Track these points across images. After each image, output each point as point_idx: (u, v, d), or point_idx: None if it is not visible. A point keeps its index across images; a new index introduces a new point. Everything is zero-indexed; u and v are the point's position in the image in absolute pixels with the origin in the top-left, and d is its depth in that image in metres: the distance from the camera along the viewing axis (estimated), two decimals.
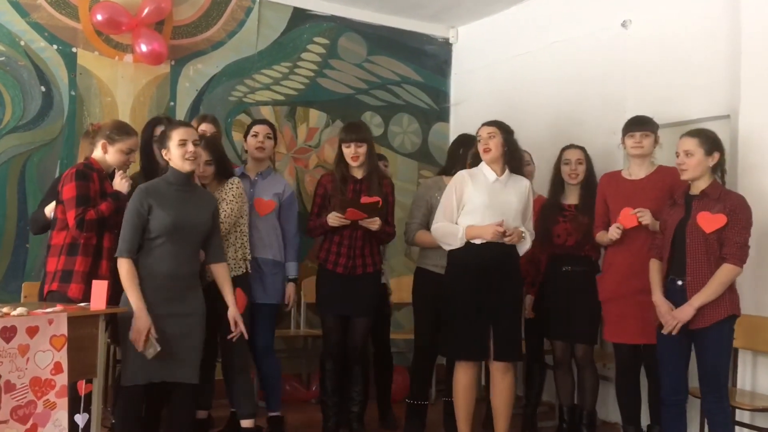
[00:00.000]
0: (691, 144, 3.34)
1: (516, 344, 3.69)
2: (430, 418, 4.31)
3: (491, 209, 3.62)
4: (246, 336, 3.53)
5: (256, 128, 4.07)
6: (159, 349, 3.09)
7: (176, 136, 3.23)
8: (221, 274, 3.41)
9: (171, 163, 3.27)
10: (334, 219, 3.85)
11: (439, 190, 4.13)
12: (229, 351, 3.68)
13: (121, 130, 3.47)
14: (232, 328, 3.43)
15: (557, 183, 4.22)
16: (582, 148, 4.21)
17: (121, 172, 3.46)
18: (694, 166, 3.32)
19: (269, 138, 4.06)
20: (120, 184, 3.41)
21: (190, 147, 3.23)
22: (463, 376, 3.70)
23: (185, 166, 3.25)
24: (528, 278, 4.24)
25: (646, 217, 3.61)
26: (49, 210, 3.55)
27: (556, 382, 4.33)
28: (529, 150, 4.39)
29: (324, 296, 4.03)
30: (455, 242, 3.66)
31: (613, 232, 3.69)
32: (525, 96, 5.44)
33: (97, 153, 3.44)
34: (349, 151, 3.97)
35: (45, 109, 4.64)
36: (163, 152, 3.29)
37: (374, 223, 3.89)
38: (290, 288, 4.07)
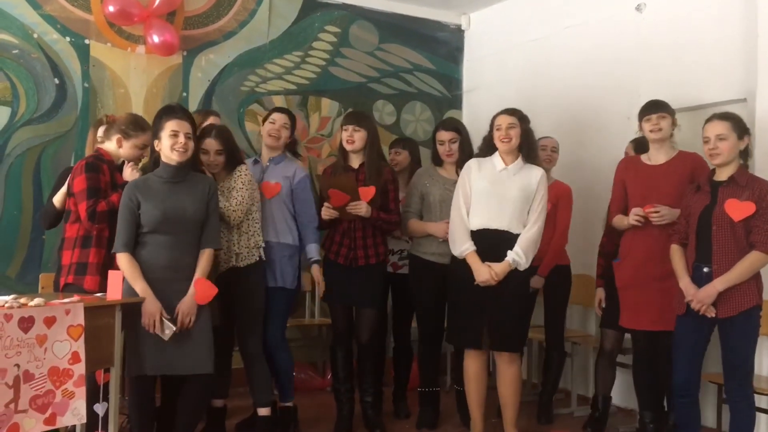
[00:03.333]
0: (724, 128, 3.27)
1: (514, 334, 3.65)
2: (444, 405, 4.32)
3: (491, 197, 3.63)
4: (177, 330, 3.21)
5: (275, 116, 4.02)
6: (174, 329, 3.10)
7: (168, 126, 3.21)
8: (202, 259, 3.27)
9: (161, 155, 3.25)
10: (325, 211, 3.87)
11: (430, 177, 4.16)
12: (244, 339, 3.69)
13: (137, 125, 3.47)
14: (177, 318, 3.20)
15: None
16: (635, 141, 4.10)
17: (131, 163, 3.46)
18: (727, 151, 3.26)
19: (286, 128, 4.00)
20: (130, 174, 3.40)
21: (182, 138, 3.20)
22: (471, 364, 3.73)
23: (174, 157, 3.21)
24: (598, 270, 4.19)
25: (665, 217, 3.53)
26: (57, 200, 3.56)
27: (596, 371, 4.25)
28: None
29: (328, 286, 4.01)
30: (455, 251, 3.68)
31: (633, 219, 3.63)
32: (538, 82, 5.40)
33: (110, 146, 3.45)
34: (345, 134, 3.97)
35: (59, 102, 4.66)
36: (155, 142, 3.26)
37: (359, 208, 3.84)
38: (315, 270, 3.91)
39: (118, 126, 3.45)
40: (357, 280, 3.96)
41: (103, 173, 3.34)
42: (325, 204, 3.89)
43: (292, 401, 3.99)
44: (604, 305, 4.13)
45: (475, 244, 3.61)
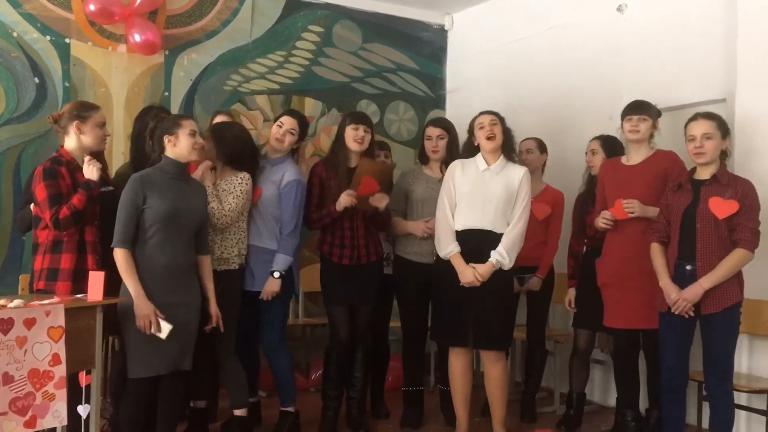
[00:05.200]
0: (711, 127, 3.31)
1: (498, 333, 3.66)
2: (428, 405, 4.33)
3: (474, 198, 3.66)
4: (221, 329, 3.45)
5: (284, 119, 3.95)
6: (171, 327, 3.09)
7: (188, 125, 3.26)
8: (205, 266, 3.39)
9: (173, 152, 3.25)
10: (346, 198, 3.78)
11: (414, 176, 4.19)
12: (218, 342, 3.61)
13: (86, 106, 3.40)
14: (213, 322, 3.40)
15: (589, 174, 4.25)
16: (600, 138, 4.19)
17: (88, 157, 3.32)
18: (712, 150, 3.30)
19: (292, 133, 3.91)
20: (89, 170, 3.27)
21: (199, 138, 3.29)
22: (456, 362, 3.75)
23: (192, 156, 3.27)
24: (569, 271, 4.23)
25: (635, 211, 3.59)
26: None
27: (570, 370, 4.30)
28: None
29: (332, 289, 3.99)
30: (440, 252, 3.70)
31: (601, 222, 3.70)
32: (521, 82, 5.42)
33: (70, 141, 3.33)
34: (356, 133, 3.91)
35: (39, 101, 4.61)
36: (167, 138, 3.24)
37: (383, 200, 3.86)
38: (269, 283, 3.76)
39: (69, 115, 3.32)
40: (359, 279, 3.95)
41: (62, 177, 3.22)
42: (348, 191, 3.79)
43: (293, 406, 3.94)
44: (573, 305, 4.18)
45: (460, 244, 3.63)
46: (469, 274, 3.58)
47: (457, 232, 3.67)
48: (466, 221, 3.67)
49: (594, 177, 4.18)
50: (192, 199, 3.30)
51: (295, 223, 3.86)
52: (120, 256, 3.14)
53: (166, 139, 3.25)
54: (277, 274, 3.77)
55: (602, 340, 4.32)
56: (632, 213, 3.60)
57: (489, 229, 3.63)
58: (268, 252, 3.82)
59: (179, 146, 3.24)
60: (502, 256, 3.58)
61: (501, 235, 3.63)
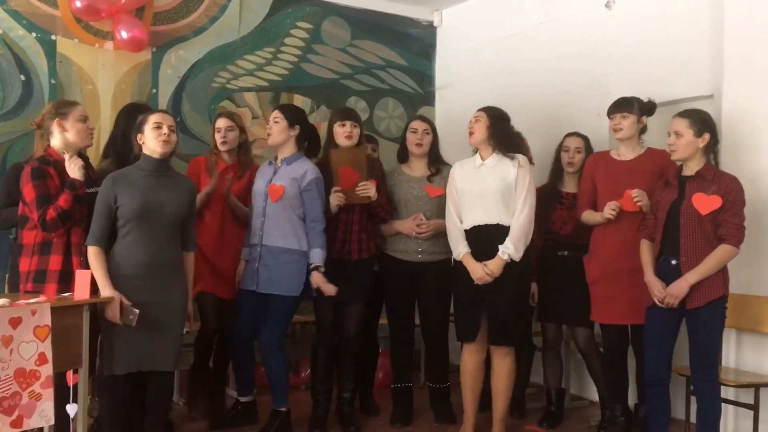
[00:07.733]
0: (681, 125, 3.35)
1: (510, 329, 3.70)
2: (417, 402, 4.33)
3: (472, 194, 3.69)
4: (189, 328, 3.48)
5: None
6: (138, 312, 3.05)
7: (152, 119, 3.23)
8: (188, 264, 3.35)
9: (144, 148, 3.23)
10: (334, 197, 3.81)
11: (396, 178, 4.20)
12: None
13: (65, 103, 3.39)
14: (190, 322, 3.37)
15: (557, 169, 4.23)
16: (584, 137, 4.20)
17: (68, 155, 3.27)
18: (683, 147, 3.34)
19: (276, 122, 3.88)
20: (71, 168, 3.23)
21: (165, 130, 3.20)
22: (469, 359, 3.78)
23: (158, 149, 3.20)
24: (531, 265, 4.22)
25: (644, 201, 3.61)
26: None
27: (544, 365, 4.34)
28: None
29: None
30: (453, 254, 3.77)
31: (608, 212, 3.68)
32: (510, 78, 5.42)
33: (55, 140, 3.31)
34: (344, 130, 3.92)
35: (25, 98, 4.58)
36: (138, 137, 3.24)
37: (368, 189, 3.84)
38: (315, 276, 3.71)
39: (49, 114, 3.31)
40: (348, 275, 3.90)
41: (51, 178, 3.20)
42: (334, 189, 3.82)
43: (285, 406, 3.93)
44: (536, 299, 4.17)
45: (471, 242, 3.66)
46: (479, 270, 3.60)
47: (466, 231, 3.69)
48: (471, 219, 3.69)
49: (561, 172, 4.18)
50: (169, 196, 3.23)
51: (324, 218, 3.82)
52: (90, 252, 3.14)
53: (138, 137, 3.25)
54: (322, 269, 3.72)
55: (567, 334, 4.31)
56: (639, 203, 3.61)
57: (495, 222, 3.65)
58: (288, 252, 3.77)
59: (146, 141, 3.21)
60: (508, 247, 3.59)
61: (509, 227, 3.64)
